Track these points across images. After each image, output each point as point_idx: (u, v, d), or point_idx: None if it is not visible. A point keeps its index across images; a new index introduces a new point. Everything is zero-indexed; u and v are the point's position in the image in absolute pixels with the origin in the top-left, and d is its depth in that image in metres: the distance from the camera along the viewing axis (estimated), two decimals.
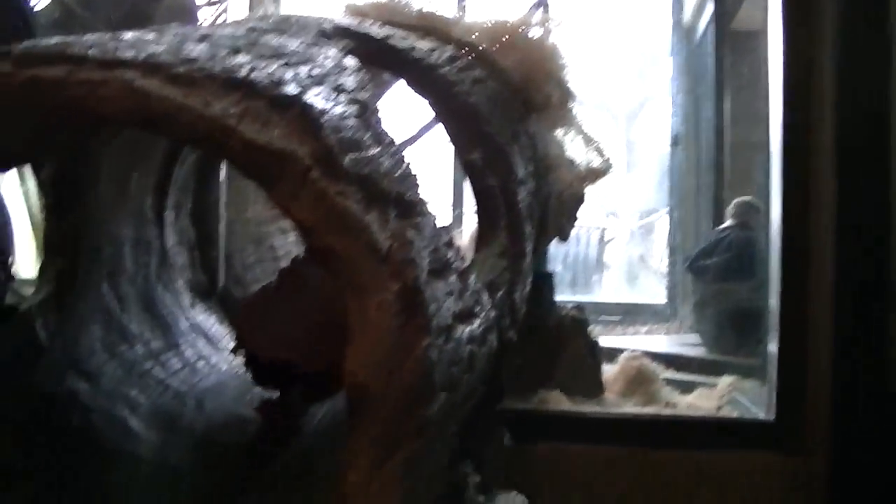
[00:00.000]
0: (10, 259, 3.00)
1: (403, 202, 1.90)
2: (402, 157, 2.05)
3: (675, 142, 6.61)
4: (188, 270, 3.63)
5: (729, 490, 3.44)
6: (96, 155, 2.86)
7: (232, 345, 3.14)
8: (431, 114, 3.22)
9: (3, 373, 2.71)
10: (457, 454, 2.38)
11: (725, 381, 4.34)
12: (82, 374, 2.90)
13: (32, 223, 5.75)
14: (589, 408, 3.78)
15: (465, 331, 2.02)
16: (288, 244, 4.29)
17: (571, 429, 3.56)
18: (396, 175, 1.95)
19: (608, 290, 6.74)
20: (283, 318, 2.94)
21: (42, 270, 3.04)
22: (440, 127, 3.16)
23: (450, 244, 2.08)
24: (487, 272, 2.57)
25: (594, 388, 4.01)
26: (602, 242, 7.13)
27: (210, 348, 3.47)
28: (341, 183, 1.75)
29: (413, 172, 2.07)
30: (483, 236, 2.78)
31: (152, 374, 3.14)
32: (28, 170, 4.54)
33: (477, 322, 2.14)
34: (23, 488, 2.59)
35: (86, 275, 3.03)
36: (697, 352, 5.23)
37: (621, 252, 7.13)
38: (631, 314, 6.36)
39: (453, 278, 2.02)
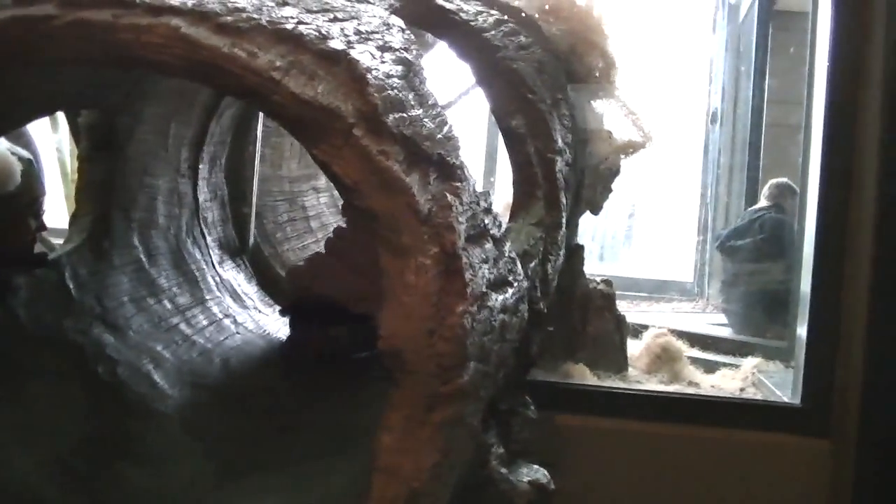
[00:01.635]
0: (41, 205, 2.98)
1: (445, 165, 1.88)
2: (445, 119, 2.02)
3: (714, 119, 6.54)
4: (219, 226, 3.62)
5: (752, 471, 3.41)
6: (138, 104, 2.85)
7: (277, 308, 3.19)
8: (469, 79, 3.18)
9: (32, 321, 2.71)
10: (482, 425, 2.37)
11: (750, 362, 4.30)
12: (110, 326, 2.90)
13: (62, 173, 5.77)
14: (614, 383, 3.76)
15: (498, 300, 1.99)
16: (320, 205, 4.28)
17: (596, 402, 3.54)
18: (438, 137, 1.92)
19: (635, 265, 6.67)
20: (331, 276, 2.97)
21: (74, 219, 3.04)
22: (478, 92, 3.14)
23: (487, 210, 2.06)
24: (522, 241, 2.55)
25: (619, 363, 3.98)
26: (631, 217, 7.06)
27: (237, 306, 3.47)
28: (385, 142, 1.73)
29: (454, 135, 2.04)
30: (519, 205, 2.75)
31: (179, 329, 3.14)
32: (61, 117, 4.55)
33: (510, 291, 2.11)
34: (54, 441, 2.59)
35: (118, 226, 3.03)
36: (723, 331, 5.19)
37: (649, 228, 7.07)
38: (657, 290, 6.32)
39: (489, 245, 1.99)
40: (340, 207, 4.19)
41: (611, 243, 6.71)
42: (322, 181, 4.32)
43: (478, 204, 1.98)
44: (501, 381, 2.28)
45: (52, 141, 5.77)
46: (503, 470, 2.51)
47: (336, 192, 4.43)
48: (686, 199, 6.83)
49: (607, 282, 4.08)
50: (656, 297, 6.25)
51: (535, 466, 2.64)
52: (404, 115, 1.82)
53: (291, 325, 3.33)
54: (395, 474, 1.58)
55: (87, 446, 2.65)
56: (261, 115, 3.74)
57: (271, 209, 4.02)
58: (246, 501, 2.48)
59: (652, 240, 7.07)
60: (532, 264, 2.50)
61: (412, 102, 1.89)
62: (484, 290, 1.86)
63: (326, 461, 2.60)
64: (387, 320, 1.63)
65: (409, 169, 1.76)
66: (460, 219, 1.79)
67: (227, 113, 3.39)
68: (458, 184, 1.89)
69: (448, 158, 1.91)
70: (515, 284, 2.16)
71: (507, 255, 2.13)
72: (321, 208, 4.31)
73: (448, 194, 1.80)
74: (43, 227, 2.98)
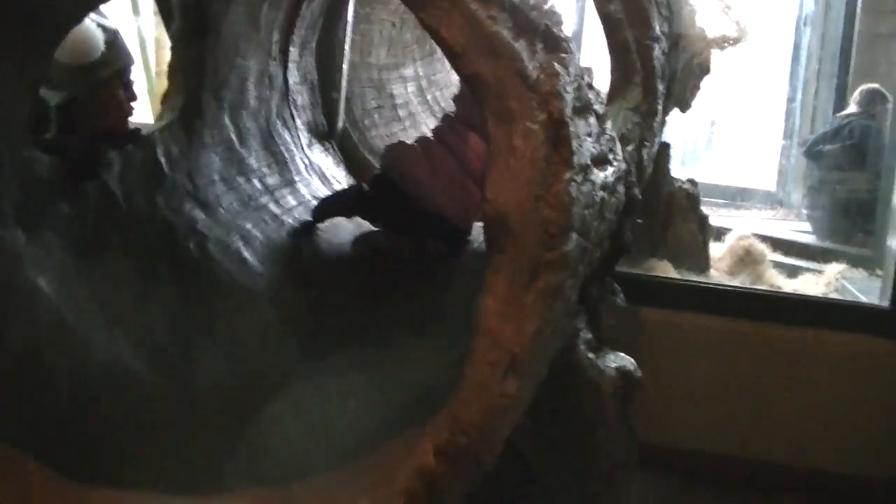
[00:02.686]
0: (129, 75, 2.98)
1: (551, 35, 1.84)
2: None
3: (805, 22, 6.39)
4: (308, 110, 3.62)
5: (836, 371, 3.40)
6: None
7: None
8: None
9: (125, 197, 2.73)
10: (574, 310, 2.36)
11: (834, 268, 4.26)
12: (200, 204, 2.91)
13: (144, 66, 5.76)
14: (700, 278, 3.74)
15: (599, 176, 1.97)
16: (408, 93, 4.26)
17: (681, 297, 3.53)
18: (544, 9, 1.89)
19: (716, 171, 6.59)
20: (430, 170, 2.96)
21: (166, 98, 3.04)
22: None
23: (590, 86, 2.03)
24: (619, 125, 2.52)
25: (701, 263, 3.97)
26: (713, 125, 6.95)
27: (325, 188, 3.47)
28: (492, 8, 1.70)
29: (558, 10, 2.00)
30: (616, 89, 2.73)
31: (268, 208, 3.15)
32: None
33: (610, 170, 2.09)
34: (147, 313, 2.61)
35: (209, 105, 3.03)
36: (806, 238, 5.13)
37: (732, 135, 6.96)
38: (738, 198, 6.26)
39: (592, 120, 1.97)
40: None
41: (692, 148, 6.63)
42: (410, 70, 4.30)
43: (582, 78, 1.96)
44: (595, 264, 2.27)
45: (132, 26, 5.74)
46: (591, 355, 2.51)
47: (423, 83, 4.41)
48: (771, 107, 6.71)
49: (692, 181, 4.06)
50: (737, 203, 6.19)
51: (622, 354, 2.64)
52: None
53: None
54: (498, 339, 1.58)
55: (174, 322, 2.68)
56: (351, 1, 3.73)
57: (359, 96, 4.01)
58: (330, 376, 2.50)
59: (734, 147, 6.97)
60: (629, 148, 2.47)
61: None
62: (588, 162, 1.84)
63: (409, 339, 2.62)
64: (492, 184, 1.62)
65: (516, 36, 1.73)
66: (567, 88, 1.76)
67: None
68: (565, 55, 1.86)
69: (553, 30, 1.88)
70: (615, 164, 2.14)
71: (608, 132, 2.10)
72: (409, 97, 4.28)
73: (556, 63, 1.77)
74: (133, 97, 2.98)
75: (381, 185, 3.22)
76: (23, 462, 2.00)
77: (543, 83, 1.70)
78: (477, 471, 1.61)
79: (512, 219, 1.59)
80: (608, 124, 2.14)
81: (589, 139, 1.90)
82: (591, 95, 1.98)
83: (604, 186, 2.01)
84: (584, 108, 1.90)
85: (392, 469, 1.71)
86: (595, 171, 1.94)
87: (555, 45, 1.84)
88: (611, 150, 2.12)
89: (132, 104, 2.98)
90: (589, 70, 2.07)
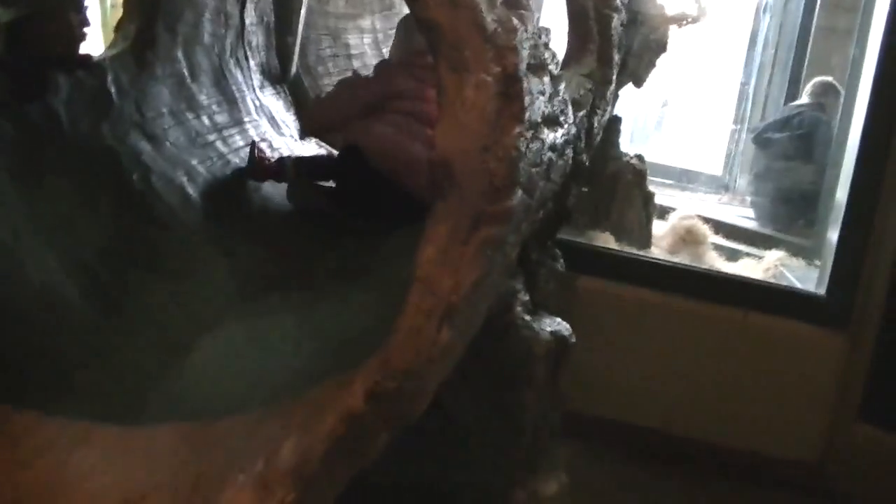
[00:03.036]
0: (84, 2, 2.93)
1: None
2: None
3: (765, 10, 6.43)
4: (262, 52, 3.59)
5: (765, 355, 3.44)
6: None
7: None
8: None
9: (70, 122, 2.69)
10: (512, 268, 2.36)
11: (774, 255, 4.30)
12: (147, 136, 2.88)
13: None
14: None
15: (549, 136, 1.97)
16: (363, 45, 4.24)
17: (619, 269, 3.55)
18: None
19: (664, 152, 6.61)
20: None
21: (119, 26, 3.00)
22: None
23: (546, 45, 2.02)
24: (573, 89, 2.51)
25: (643, 239, 3.99)
26: (664, 106, 6.98)
27: (274, 132, 3.45)
28: None
29: None
30: (571, 55, 2.72)
31: (215, 146, 3.12)
32: None
33: (560, 132, 2.09)
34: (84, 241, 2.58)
35: (162, 38, 2.99)
36: (749, 224, 5.17)
37: (682, 117, 6.99)
38: (684, 179, 6.29)
39: (546, 80, 1.96)
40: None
41: (642, 126, 6.65)
42: (367, 22, 4.28)
43: (539, 37, 1.95)
44: (537, 226, 2.27)
45: None
46: (527, 317, 2.52)
47: (380, 37, 4.38)
48: (723, 91, 6.75)
49: (640, 157, 4.08)
50: (683, 185, 6.22)
51: (558, 319, 2.65)
52: None
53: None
54: (434, 288, 1.57)
55: (111, 252, 2.65)
56: None
57: (315, 42, 3.98)
58: (266, 318, 2.48)
59: (684, 128, 7.00)
60: (580, 114, 2.47)
61: None
62: (539, 120, 1.84)
63: (348, 288, 2.61)
64: (441, 133, 1.60)
65: None
66: (524, 44, 1.75)
67: None
68: (523, 11, 1.85)
69: None
70: (566, 126, 2.14)
71: (561, 94, 2.10)
72: (364, 48, 4.27)
73: (514, 18, 1.76)
74: (86, 22, 2.93)
75: (349, 158, 3.16)
76: None
77: (500, 36, 1.68)
78: (404, 418, 1.61)
79: (457, 168, 1.57)
80: (562, 86, 2.13)
81: (542, 97, 1.90)
82: (546, 55, 1.98)
83: (552, 147, 2.01)
84: (539, 67, 1.90)
85: (320, 411, 1.70)
86: (545, 130, 1.94)
87: (514, 1, 1.83)
88: (562, 112, 2.12)
89: (84, 30, 2.93)
90: (547, 30, 2.06)
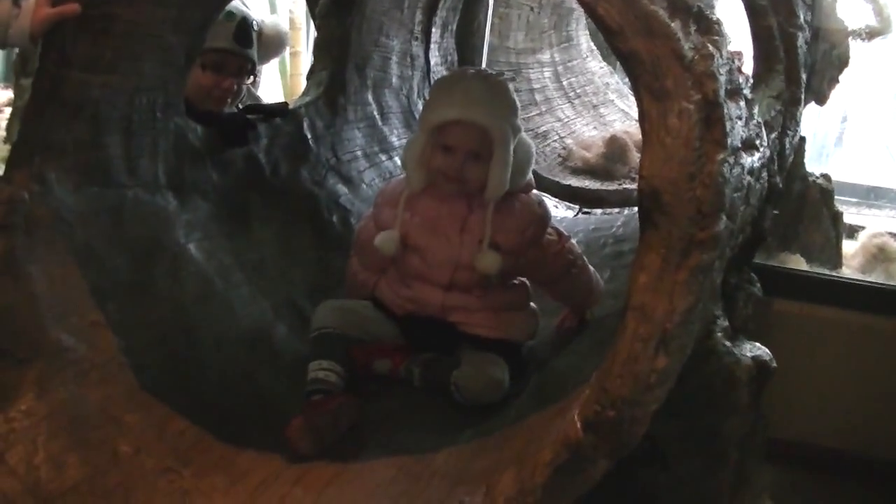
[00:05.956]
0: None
1: (704, 17, 1.84)
2: None
3: None
4: None
5: None
6: None
7: None
8: None
9: (270, 169, 2.80)
10: (717, 294, 2.35)
11: None
12: (343, 178, 2.98)
13: (280, 70, 5.80)
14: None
15: (747, 160, 1.98)
16: (544, 78, 4.28)
17: (815, 290, 3.49)
18: None
19: (845, 169, 6.44)
20: None
21: (311, 73, 3.11)
22: None
23: (740, 70, 2.02)
24: (763, 112, 2.50)
25: (834, 258, 3.90)
26: (843, 121, 6.80)
27: None
28: None
29: None
30: (759, 77, 2.70)
31: None
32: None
33: (757, 155, 2.09)
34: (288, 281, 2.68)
35: (353, 82, 3.09)
36: None
37: (864, 132, 6.80)
38: (869, 196, 6.11)
39: (742, 104, 1.97)
40: None
41: (821, 144, 6.49)
42: (546, 55, 4.32)
43: (732, 62, 1.96)
44: (736, 250, 2.27)
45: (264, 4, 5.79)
46: (727, 343, 2.50)
47: (559, 69, 4.42)
48: None
49: (826, 176, 4.00)
50: (869, 202, 6.05)
51: (757, 344, 2.62)
52: None
53: None
54: (650, 314, 1.59)
55: (315, 291, 2.74)
56: None
57: None
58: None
59: (866, 144, 6.80)
60: (772, 136, 2.46)
61: None
62: (738, 145, 1.84)
63: None
64: (647, 161, 1.63)
65: (671, 16, 1.74)
66: (721, 70, 1.77)
67: None
68: (717, 37, 1.86)
69: (706, 12, 1.88)
70: (761, 149, 2.14)
71: (756, 117, 2.10)
72: (545, 82, 4.31)
73: (709, 44, 1.77)
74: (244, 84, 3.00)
75: None
76: (172, 419, 2.05)
77: (698, 63, 1.70)
78: (622, 446, 1.63)
79: (666, 196, 1.60)
80: (756, 109, 2.13)
81: (739, 122, 1.90)
82: (741, 79, 1.98)
83: (751, 171, 2.01)
84: (734, 92, 1.90)
85: (538, 441, 1.73)
86: (744, 154, 1.94)
87: (708, 26, 1.84)
88: (758, 135, 2.12)
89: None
90: (739, 54, 2.06)
